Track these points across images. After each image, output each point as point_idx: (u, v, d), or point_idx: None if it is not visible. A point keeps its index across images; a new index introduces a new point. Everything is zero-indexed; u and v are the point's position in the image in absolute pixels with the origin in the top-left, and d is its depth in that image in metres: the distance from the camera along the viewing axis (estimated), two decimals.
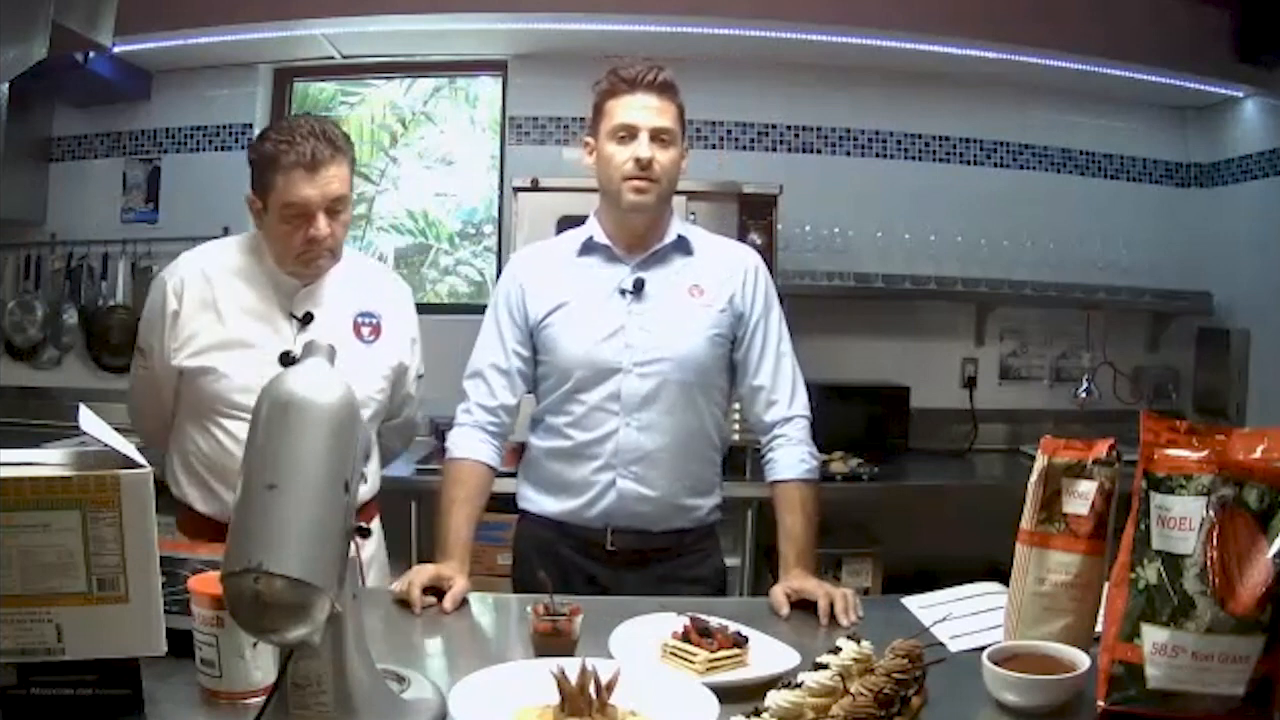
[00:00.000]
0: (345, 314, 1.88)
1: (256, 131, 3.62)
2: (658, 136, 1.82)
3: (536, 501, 1.94)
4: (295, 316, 1.84)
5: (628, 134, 1.82)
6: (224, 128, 3.64)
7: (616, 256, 1.90)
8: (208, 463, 1.84)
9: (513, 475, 2.04)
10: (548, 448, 1.91)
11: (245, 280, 1.85)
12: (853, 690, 1.13)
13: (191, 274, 1.84)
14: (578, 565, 1.89)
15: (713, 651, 1.33)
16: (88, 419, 1.20)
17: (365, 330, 1.90)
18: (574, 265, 1.92)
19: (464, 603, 1.65)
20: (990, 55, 3.31)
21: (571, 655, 1.33)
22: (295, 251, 1.79)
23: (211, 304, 1.82)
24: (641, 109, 1.82)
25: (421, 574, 1.66)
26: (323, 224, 1.75)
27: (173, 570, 1.28)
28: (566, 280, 1.91)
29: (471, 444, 1.87)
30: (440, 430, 2.95)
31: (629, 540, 1.88)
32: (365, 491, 1.91)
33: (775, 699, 1.12)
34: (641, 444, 1.85)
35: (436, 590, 1.65)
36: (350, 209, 1.83)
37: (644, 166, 1.82)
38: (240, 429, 1.76)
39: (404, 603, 1.62)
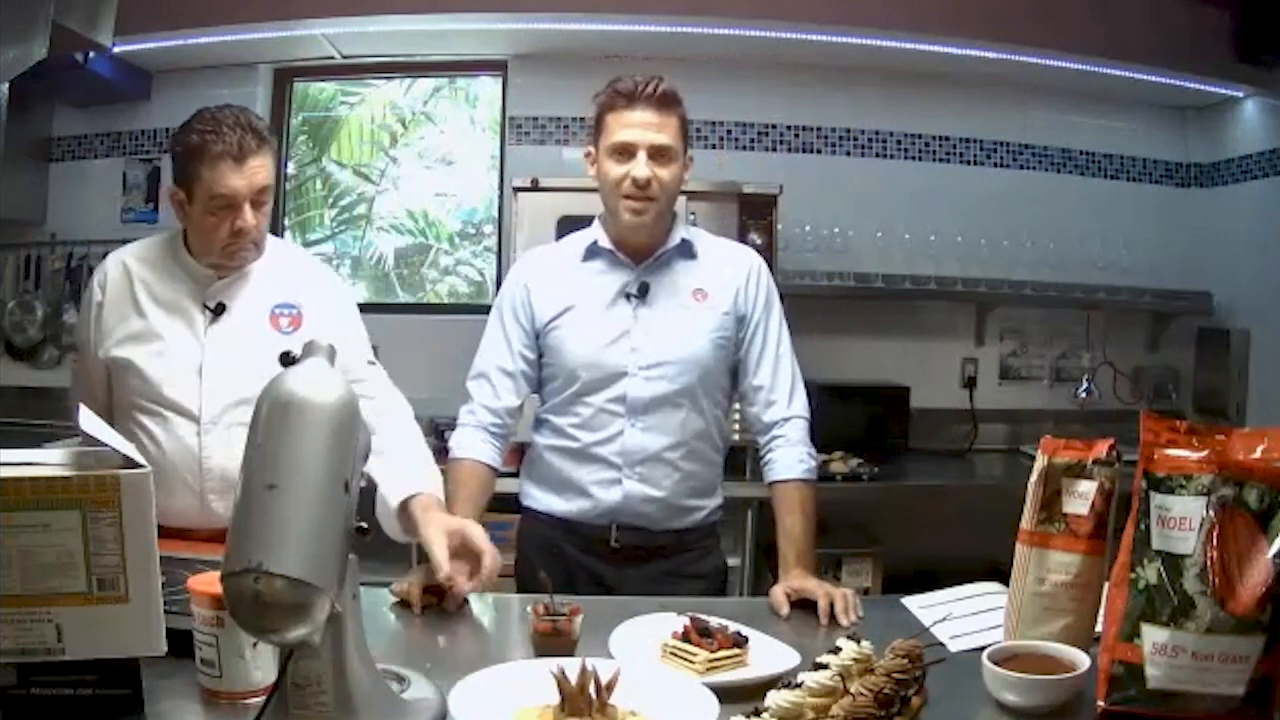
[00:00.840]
0: (262, 305, 1.85)
1: None
2: (656, 154, 1.81)
3: (541, 500, 1.94)
4: (208, 308, 1.82)
5: (626, 152, 1.82)
6: None
7: (621, 261, 1.91)
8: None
9: (514, 475, 2.04)
10: (553, 446, 1.92)
11: (162, 273, 1.83)
12: (853, 690, 1.13)
13: (115, 268, 1.85)
14: (581, 562, 1.90)
15: (713, 651, 1.33)
16: (88, 419, 1.20)
17: (284, 321, 1.85)
18: (579, 269, 1.93)
19: (464, 603, 1.65)
20: (990, 55, 3.32)
21: (571, 655, 1.33)
22: (221, 243, 1.77)
23: (129, 297, 1.82)
24: (640, 126, 1.81)
25: (422, 574, 1.66)
26: (249, 215, 1.75)
27: (173, 570, 1.28)
28: (572, 284, 1.91)
29: (474, 444, 1.88)
30: (440, 430, 2.95)
31: (633, 537, 1.89)
32: None
33: (775, 699, 1.12)
34: (646, 446, 1.86)
35: (437, 590, 1.65)
36: (272, 199, 1.83)
37: (641, 186, 1.81)
38: (153, 425, 1.78)
39: (404, 603, 1.62)
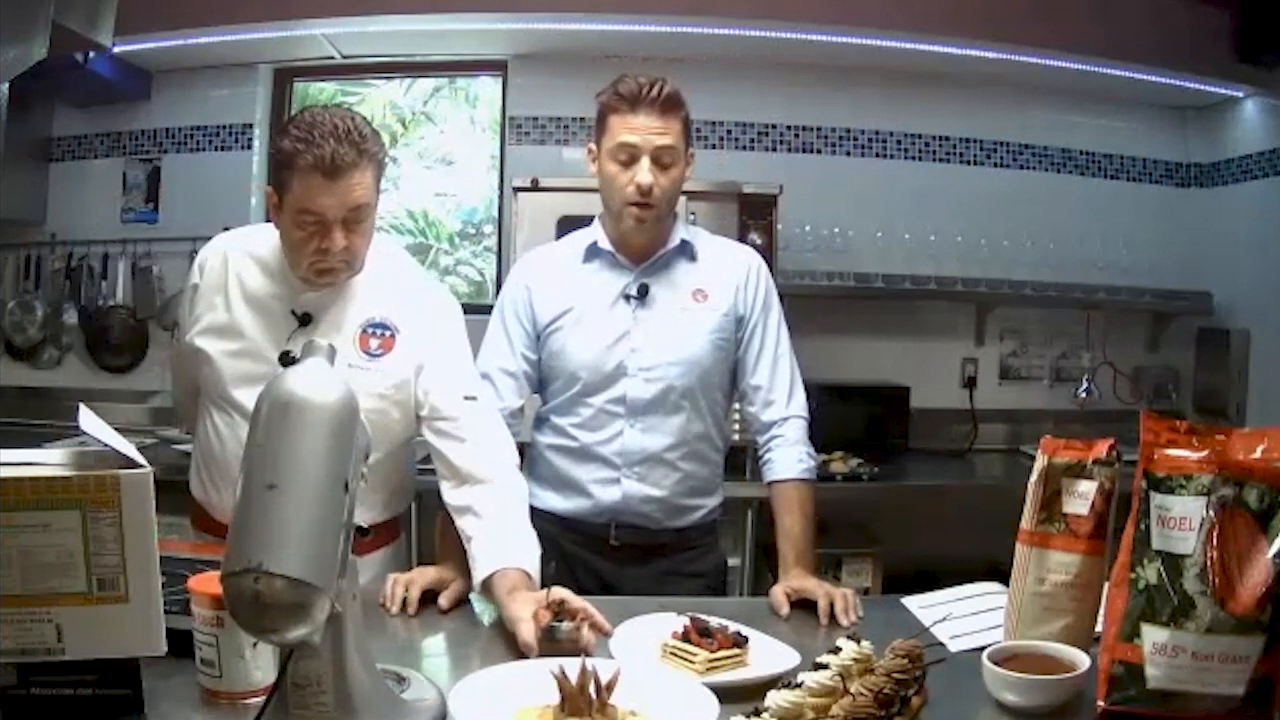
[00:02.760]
0: (353, 321, 1.71)
1: (256, 132, 3.63)
2: (659, 159, 1.81)
3: (541, 498, 1.94)
4: (295, 314, 1.69)
5: (629, 157, 1.81)
6: (224, 128, 3.64)
7: (620, 263, 1.91)
8: (202, 449, 1.79)
9: None
10: (553, 445, 1.93)
11: (260, 268, 1.72)
12: (853, 690, 1.13)
13: (215, 253, 1.76)
14: (581, 559, 1.90)
15: (713, 651, 1.33)
16: (88, 419, 1.20)
17: (374, 342, 1.70)
18: (579, 270, 1.93)
19: (463, 602, 1.65)
20: (990, 55, 3.31)
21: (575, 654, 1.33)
22: (307, 259, 1.63)
23: (223, 286, 1.71)
24: (644, 130, 1.80)
25: (423, 576, 1.65)
26: (338, 238, 1.59)
27: (173, 570, 1.28)
28: (572, 285, 1.91)
29: None
30: None
31: (632, 536, 1.89)
32: (390, 509, 1.86)
33: (775, 699, 1.12)
34: (646, 446, 1.87)
35: (436, 594, 1.65)
36: (373, 217, 1.65)
37: (644, 193, 1.80)
38: (222, 421, 1.71)
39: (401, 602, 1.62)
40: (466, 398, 1.73)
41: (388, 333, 1.72)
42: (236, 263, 1.73)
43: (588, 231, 1.95)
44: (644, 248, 1.90)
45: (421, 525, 2.83)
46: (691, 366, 1.87)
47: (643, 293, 1.88)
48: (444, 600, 1.62)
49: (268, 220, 1.75)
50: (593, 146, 1.90)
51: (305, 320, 1.69)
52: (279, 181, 1.61)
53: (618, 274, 1.91)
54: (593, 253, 1.93)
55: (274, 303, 1.70)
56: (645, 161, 1.80)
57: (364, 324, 1.71)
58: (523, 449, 2.05)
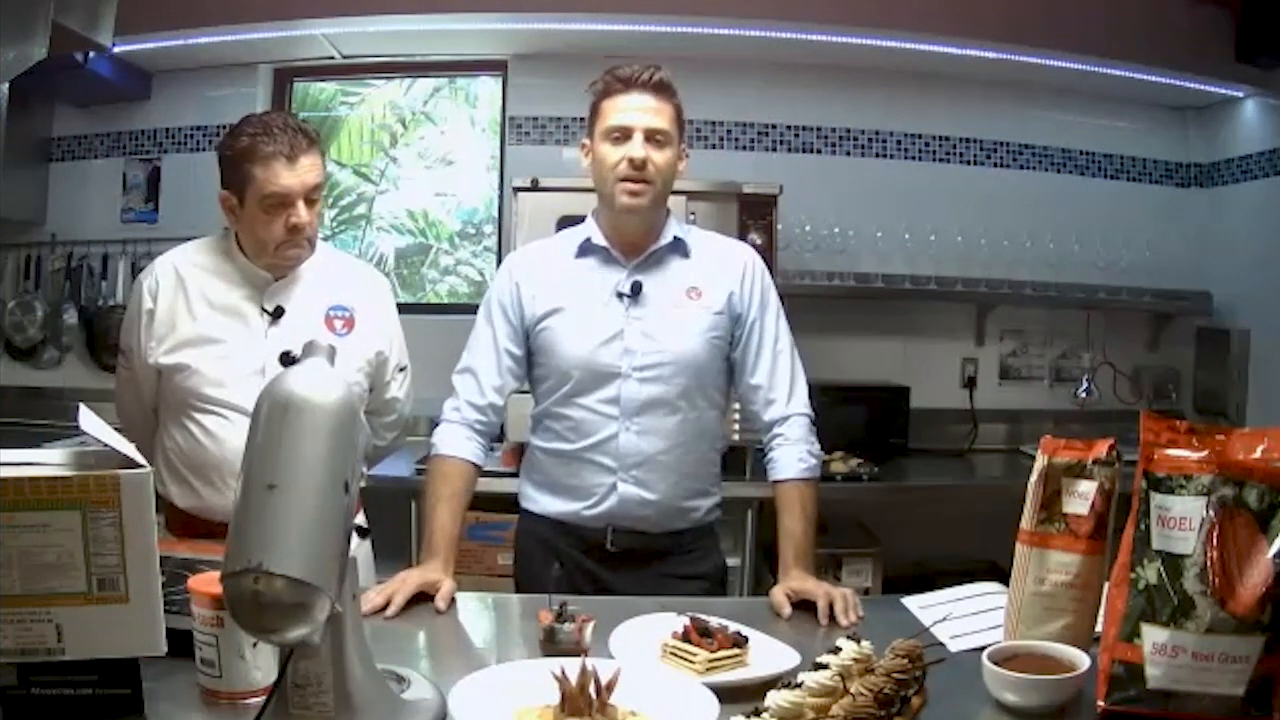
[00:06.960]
0: (317, 308, 1.91)
1: None
2: (652, 137, 1.80)
3: (538, 501, 1.93)
4: (266, 311, 1.86)
5: (622, 135, 1.81)
6: (224, 128, 3.56)
7: (614, 259, 1.89)
8: (185, 459, 1.87)
9: (514, 475, 2.04)
10: (548, 449, 1.91)
11: (217, 277, 1.89)
12: (853, 690, 1.13)
13: (165, 274, 1.89)
14: (578, 563, 1.89)
15: (713, 651, 1.33)
16: (88, 419, 1.20)
17: (338, 323, 1.92)
18: (571, 266, 1.91)
19: (451, 601, 1.64)
20: (990, 55, 3.32)
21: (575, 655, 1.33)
22: (276, 241, 1.82)
23: (184, 302, 1.87)
24: (637, 109, 1.80)
25: (408, 584, 1.62)
26: (303, 211, 1.80)
27: (173, 570, 1.28)
28: (564, 282, 1.89)
29: (458, 441, 1.86)
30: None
31: (629, 540, 1.88)
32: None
33: (775, 699, 1.11)
34: (641, 448, 1.85)
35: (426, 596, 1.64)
36: (322, 197, 1.88)
37: (638, 167, 1.79)
38: (214, 424, 1.83)
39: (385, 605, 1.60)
40: (400, 368, 2.08)
41: (348, 314, 1.94)
42: (191, 277, 1.89)
43: (581, 228, 1.93)
44: (637, 242, 1.89)
45: (421, 525, 2.83)
46: (686, 365, 1.86)
47: (635, 290, 1.86)
48: (440, 601, 1.62)
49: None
50: (586, 141, 1.89)
51: (278, 314, 1.87)
52: (237, 179, 1.79)
53: (610, 271, 1.89)
54: (586, 249, 1.91)
55: (242, 304, 1.87)
56: (638, 137, 1.80)
57: (326, 309, 1.92)
58: (522, 449, 2.05)
